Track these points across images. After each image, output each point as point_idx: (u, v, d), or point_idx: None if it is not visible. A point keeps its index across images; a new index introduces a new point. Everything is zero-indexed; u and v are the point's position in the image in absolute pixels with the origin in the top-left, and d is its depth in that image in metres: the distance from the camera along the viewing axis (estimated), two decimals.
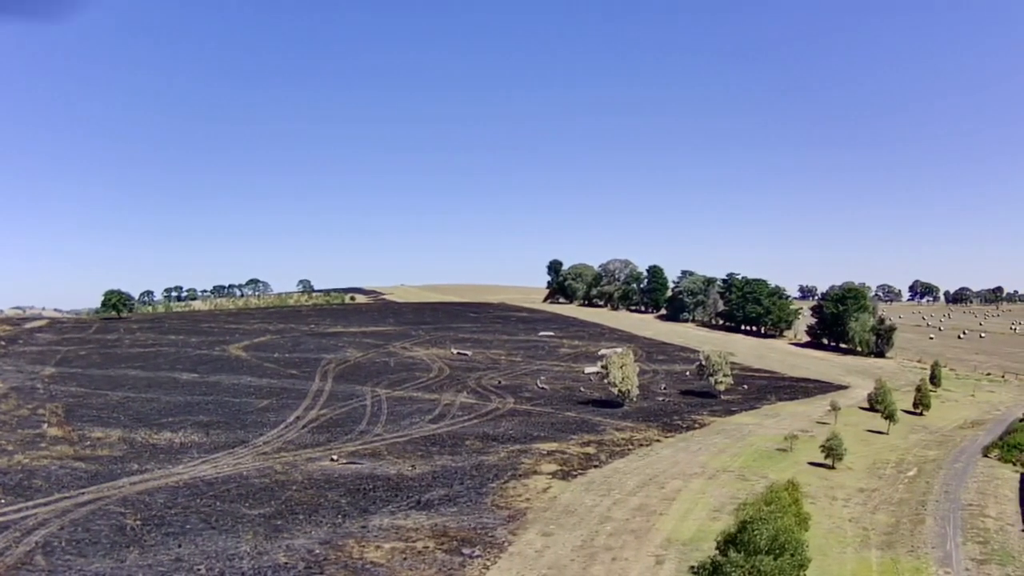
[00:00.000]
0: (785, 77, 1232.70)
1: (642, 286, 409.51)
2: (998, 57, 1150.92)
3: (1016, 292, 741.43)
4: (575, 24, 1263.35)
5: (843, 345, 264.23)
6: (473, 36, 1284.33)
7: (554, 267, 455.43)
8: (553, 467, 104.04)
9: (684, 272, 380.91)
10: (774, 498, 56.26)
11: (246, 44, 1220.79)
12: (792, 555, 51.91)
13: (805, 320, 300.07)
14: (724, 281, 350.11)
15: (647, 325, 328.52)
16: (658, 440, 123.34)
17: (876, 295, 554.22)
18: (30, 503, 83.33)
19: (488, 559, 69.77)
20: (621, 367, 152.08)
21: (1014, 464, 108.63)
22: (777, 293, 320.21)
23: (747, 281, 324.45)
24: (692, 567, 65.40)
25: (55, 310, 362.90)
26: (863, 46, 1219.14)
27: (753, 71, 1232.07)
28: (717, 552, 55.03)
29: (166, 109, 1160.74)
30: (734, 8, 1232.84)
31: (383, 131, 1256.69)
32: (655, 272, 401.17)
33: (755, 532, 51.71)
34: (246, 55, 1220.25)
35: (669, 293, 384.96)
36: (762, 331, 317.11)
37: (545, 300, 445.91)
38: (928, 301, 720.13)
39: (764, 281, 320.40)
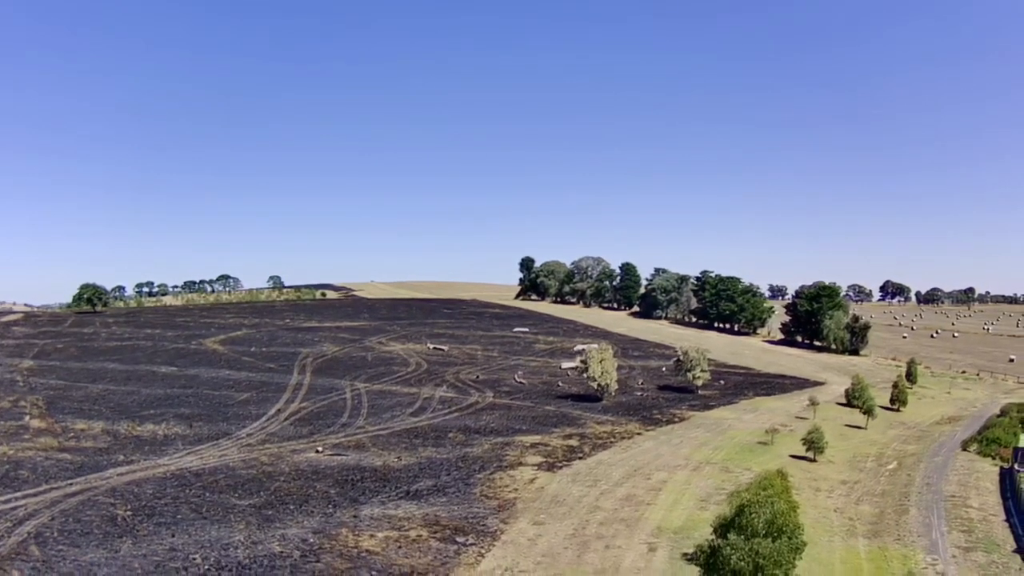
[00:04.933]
0: (758, 77, 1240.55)
1: (615, 283, 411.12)
2: (970, 60, 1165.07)
3: (988, 293, 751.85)
4: (547, 23, 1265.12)
5: (817, 343, 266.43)
6: (447, 35, 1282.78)
7: (526, 264, 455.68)
8: (538, 459, 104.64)
9: (657, 270, 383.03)
10: (768, 484, 57.14)
11: (215, 42, 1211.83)
12: (789, 538, 52.78)
13: (778, 318, 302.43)
14: (697, 279, 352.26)
15: (620, 322, 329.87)
16: (639, 433, 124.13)
17: (847, 295, 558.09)
18: (18, 494, 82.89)
19: (482, 547, 70.31)
20: (600, 361, 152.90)
21: (993, 458, 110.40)
22: (750, 291, 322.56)
23: (721, 279, 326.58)
24: (685, 554, 66.32)
25: (26, 305, 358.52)
26: (839, 46, 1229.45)
27: (725, 71, 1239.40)
28: (714, 536, 55.82)
29: (133, 106, 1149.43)
30: (706, 6, 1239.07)
31: (353, 128, 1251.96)
32: (628, 269, 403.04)
33: (752, 516, 52.57)
34: (212, 52, 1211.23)
35: (642, 290, 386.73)
36: (735, 328, 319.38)
37: (517, 297, 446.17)
38: (899, 301, 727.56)
39: (737, 279, 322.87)
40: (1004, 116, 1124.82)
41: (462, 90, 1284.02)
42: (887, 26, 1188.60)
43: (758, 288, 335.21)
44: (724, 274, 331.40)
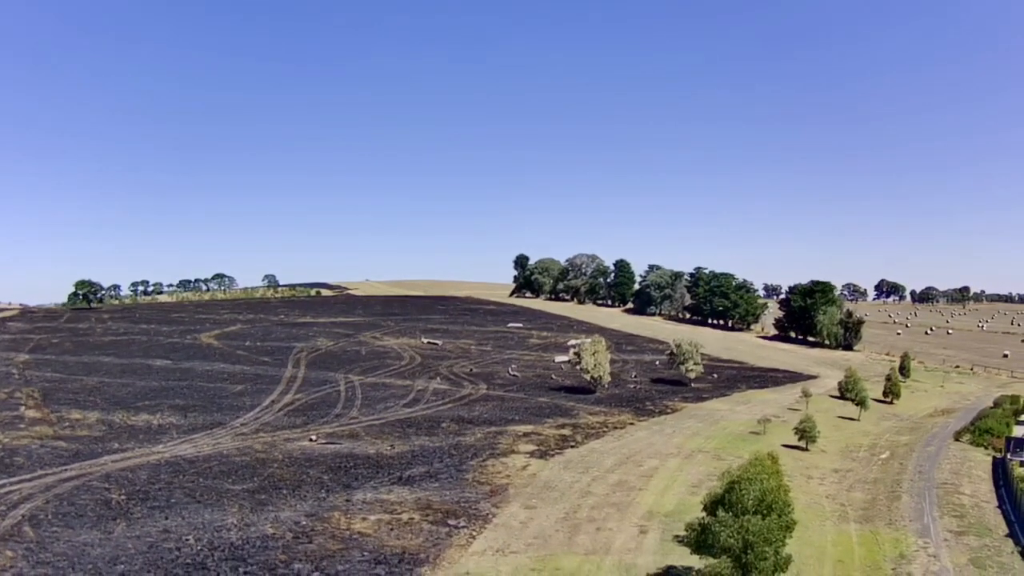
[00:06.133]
0: (754, 75, 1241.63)
1: (609, 280, 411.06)
2: (967, 59, 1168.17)
3: (983, 292, 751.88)
4: (545, 23, 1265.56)
5: (811, 338, 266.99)
6: (444, 36, 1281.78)
7: (520, 262, 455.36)
8: (530, 447, 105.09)
9: (651, 266, 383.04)
10: (759, 463, 57.36)
11: (211, 41, 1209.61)
12: (779, 516, 53.04)
13: (772, 315, 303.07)
14: (691, 275, 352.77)
15: (614, 318, 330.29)
16: (632, 424, 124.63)
17: (842, 294, 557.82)
18: (13, 479, 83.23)
19: (474, 530, 70.73)
20: (594, 354, 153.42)
21: (986, 448, 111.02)
22: (744, 287, 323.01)
23: (714, 275, 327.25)
24: (677, 536, 66.65)
25: (21, 304, 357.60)
26: (835, 44, 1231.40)
27: (720, 70, 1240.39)
28: (704, 514, 56.05)
29: (129, 105, 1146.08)
30: (702, 7, 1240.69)
31: (348, 128, 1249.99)
32: (622, 266, 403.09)
33: (742, 492, 52.76)
34: (208, 51, 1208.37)
35: (636, 287, 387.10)
36: (729, 324, 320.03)
37: (512, 294, 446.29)
38: (894, 300, 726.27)
39: (731, 275, 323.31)
40: (1000, 115, 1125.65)
41: (458, 90, 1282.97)
42: (883, 24, 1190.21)
43: (752, 284, 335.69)
44: (718, 271, 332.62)
